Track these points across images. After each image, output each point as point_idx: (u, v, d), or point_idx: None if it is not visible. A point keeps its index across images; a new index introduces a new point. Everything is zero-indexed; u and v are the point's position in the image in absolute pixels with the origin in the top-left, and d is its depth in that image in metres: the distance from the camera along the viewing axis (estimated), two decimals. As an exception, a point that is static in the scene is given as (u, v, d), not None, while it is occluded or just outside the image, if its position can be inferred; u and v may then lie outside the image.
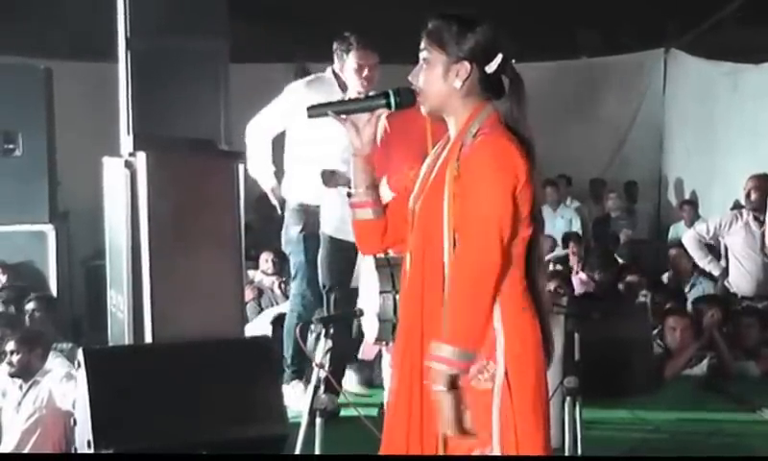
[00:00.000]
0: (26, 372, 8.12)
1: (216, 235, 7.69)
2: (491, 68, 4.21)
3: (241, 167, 7.74)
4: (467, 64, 4.19)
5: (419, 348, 4.19)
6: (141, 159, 7.54)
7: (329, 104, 4.74)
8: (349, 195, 4.57)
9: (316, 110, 4.67)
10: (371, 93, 4.47)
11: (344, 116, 4.44)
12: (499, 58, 4.21)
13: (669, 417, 8.92)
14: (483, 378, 4.11)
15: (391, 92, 4.38)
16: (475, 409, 4.10)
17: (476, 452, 4.14)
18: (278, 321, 9.66)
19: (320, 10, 12.22)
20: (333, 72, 8.64)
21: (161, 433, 7.00)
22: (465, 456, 4.15)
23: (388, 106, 4.39)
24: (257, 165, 8.66)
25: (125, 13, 7.71)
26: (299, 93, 8.65)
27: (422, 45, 4.27)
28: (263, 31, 9.24)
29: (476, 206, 4.07)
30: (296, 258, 8.98)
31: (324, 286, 8.52)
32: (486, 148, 4.10)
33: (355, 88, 8.50)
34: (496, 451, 4.09)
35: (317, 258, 8.57)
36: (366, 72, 8.47)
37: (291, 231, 8.89)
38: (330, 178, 7.66)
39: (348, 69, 8.55)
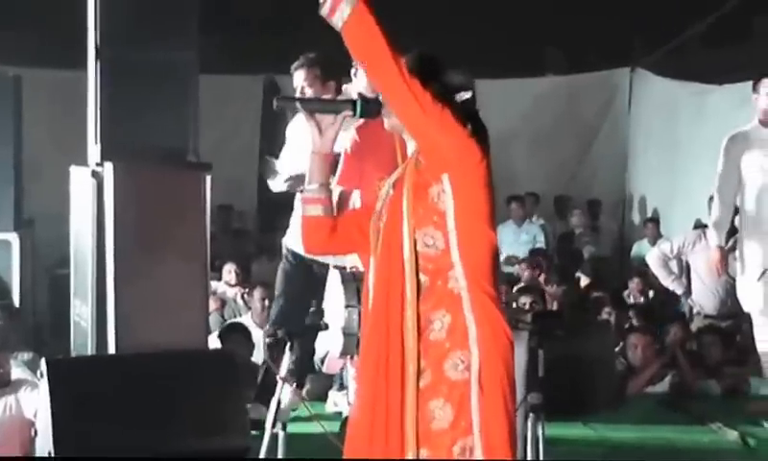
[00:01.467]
0: None
1: (182, 247, 7.65)
2: (444, 82, 4.29)
3: (208, 178, 7.67)
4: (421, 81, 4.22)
5: (384, 364, 4.22)
6: (108, 170, 7.50)
7: (299, 98, 4.81)
8: (302, 191, 4.61)
9: (284, 101, 4.87)
10: (339, 98, 4.49)
11: (312, 113, 4.50)
12: (450, 72, 4.31)
13: (630, 434, 8.99)
14: (459, 369, 4.18)
15: (358, 100, 4.45)
16: (454, 400, 4.17)
17: (458, 443, 4.17)
18: (229, 331, 9.80)
19: (289, 22, 12.24)
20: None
21: (123, 445, 6.92)
22: None
23: (354, 112, 4.43)
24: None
25: (95, 23, 7.69)
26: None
27: None
28: (233, 43, 9.20)
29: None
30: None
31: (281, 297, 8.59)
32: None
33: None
34: (477, 441, 4.15)
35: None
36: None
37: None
38: (266, 167, 7.66)
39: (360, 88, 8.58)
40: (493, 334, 4.18)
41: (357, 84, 8.66)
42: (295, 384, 8.78)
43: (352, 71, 8.72)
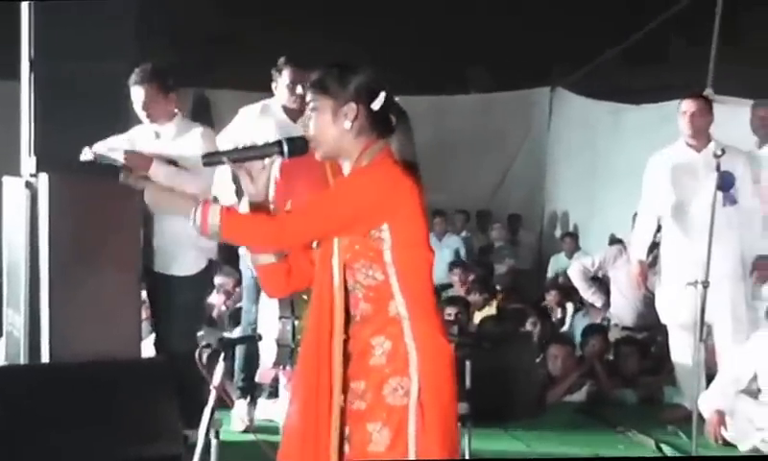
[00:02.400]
0: None
1: (115, 257, 7.60)
2: (376, 106, 4.23)
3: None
4: (353, 105, 4.20)
5: (315, 387, 4.24)
6: (43, 180, 7.45)
7: (224, 151, 4.72)
8: None
9: (211, 158, 4.68)
10: (264, 142, 4.39)
11: (238, 164, 4.39)
12: (383, 95, 4.24)
13: (552, 443, 8.97)
14: (399, 395, 4.14)
15: (284, 140, 4.34)
16: (392, 424, 4.13)
17: None
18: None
19: (222, 38, 12.20)
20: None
21: (56, 453, 6.91)
22: None
23: (281, 153, 4.33)
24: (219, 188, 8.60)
25: (29, 35, 7.62)
26: (252, 118, 8.70)
27: (309, 96, 4.30)
28: (166, 57, 9.14)
29: (331, 193, 4.30)
30: (244, 280, 9.04)
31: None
32: (371, 166, 4.20)
33: (284, 102, 8.63)
34: None
35: None
36: (299, 89, 8.46)
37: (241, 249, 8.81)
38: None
39: (282, 87, 8.63)
40: (434, 360, 4.16)
41: (279, 97, 8.66)
42: (249, 398, 8.78)
43: (273, 85, 8.71)
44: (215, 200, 7.96)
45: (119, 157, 7.83)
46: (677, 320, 8.99)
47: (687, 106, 9.28)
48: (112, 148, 7.80)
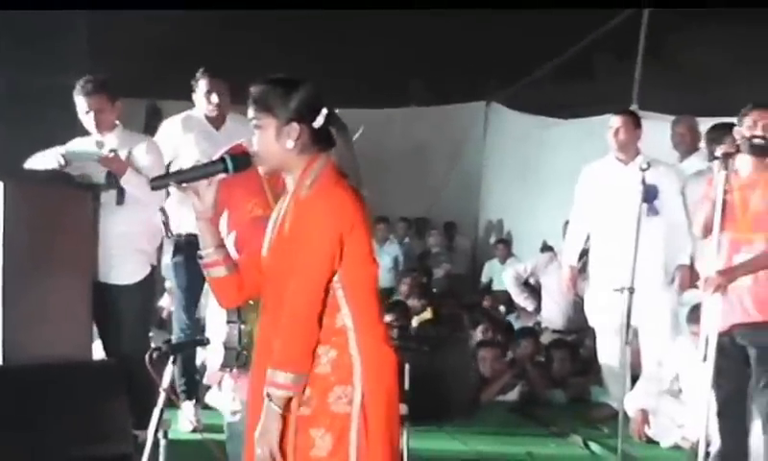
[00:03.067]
0: None
1: (68, 262, 7.55)
2: (318, 124, 4.18)
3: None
4: (295, 125, 4.15)
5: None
6: (0, 187, 7.34)
7: (171, 175, 4.70)
8: (200, 257, 4.45)
9: (159, 181, 4.65)
10: (207, 161, 4.36)
11: (185, 185, 4.35)
12: (324, 112, 4.19)
13: (488, 438, 9.07)
14: (342, 402, 4.13)
15: (227, 157, 4.31)
16: (335, 431, 4.13)
17: None
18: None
19: (175, 50, 12.11)
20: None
21: (8, 453, 6.83)
22: None
23: (225, 170, 4.29)
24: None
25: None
26: (175, 130, 8.66)
27: (251, 112, 4.24)
28: (119, 68, 9.09)
29: (305, 251, 4.12)
30: (174, 289, 8.99)
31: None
32: (319, 197, 4.13)
33: (204, 112, 8.60)
34: None
35: (192, 285, 8.39)
36: (214, 97, 8.52)
37: (166, 258, 8.80)
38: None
39: (199, 95, 8.61)
40: (379, 370, 4.15)
41: (199, 107, 8.61)
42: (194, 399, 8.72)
43: (193, 95, 8.66)
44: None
45: (91, 158, 7.81)
46: (604, 324, 9.03)
47: (616, 121, 9.31)
48: (68, 154, 7.76)
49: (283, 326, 4.12)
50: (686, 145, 10.02)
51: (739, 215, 6.80)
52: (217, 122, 8.57)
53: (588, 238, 9.64)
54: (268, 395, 4.12)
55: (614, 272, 8.41)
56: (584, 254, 11.30)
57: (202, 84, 8.56)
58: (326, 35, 17.88)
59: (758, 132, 6.76)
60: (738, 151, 7.05)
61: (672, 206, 8.96)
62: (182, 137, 8.39)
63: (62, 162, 7.74)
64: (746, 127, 6.87)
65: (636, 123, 9.31)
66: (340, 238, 4.07)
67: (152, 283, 8.35)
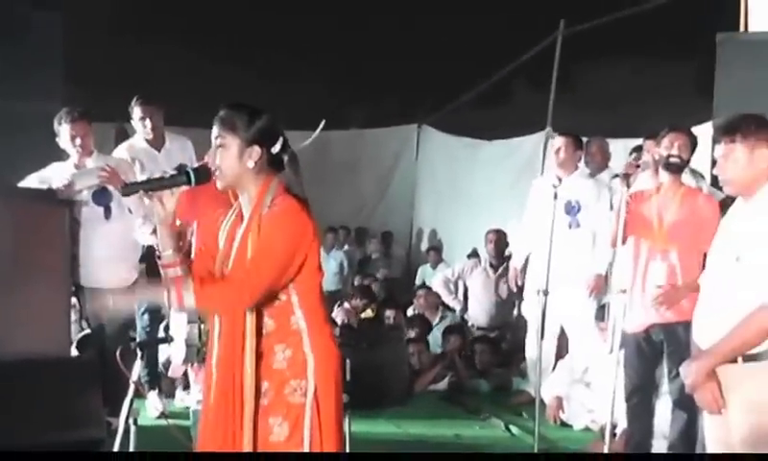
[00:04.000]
0: None
1: (49, 269, 7.60)
2: (275, 149, 4.25)
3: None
4: (257, 148, 4.20)
5: (231, 386, 4.27)
6: (-16, 203, 7.49)
7: (140, 183, 4.73)
8: (159, 258, 4.46)
9: (129, 188, 4.65)
10: (172, 172, 4.43)
11: (150, 193, 4.35)
12: (281, 140, 4.26)
13: (420, 423, 9.03)
14: (297, 394, 4.21)
15: (190, 171, 4.35)
16: (291, 419, 4.21)
17: None
18: (84, 341, 9.35)
19: (139, 78, 12.13)
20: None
21: None
22: None
23: (188, 182, 4.32)
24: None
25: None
26: (124, 156, 8.57)
27: (216, 131, 4.26)
28: (90, 93, 9.10)
29: (267, 259, 4.17)
30: None
31: None
32: (285, 215, 4.17)
33: (143, 136, 8.56)
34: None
35: None
36: (148, 122, 8.51)
37: None
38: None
39: (136, 121, 8.60)
40: (327, 364, 4.24)
41: (139, 132, 8.65)
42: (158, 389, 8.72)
43: (132, 122, 8.66)
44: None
45: (93, 176, 7.85)
46: (531, 321, 9.06)
47: (558, 141, 9.22)
48: (47, 181, 7.80)
49: (217, 291, 4.23)
50: (597, 163, 10.01)
51: (656, 227, 6.86)
52: (157, 144, 8.58)
53: (506, 246, 9.70)
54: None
55: (538, 276, 8.41)
56: (507, 259, 11.46)
57: (136, 112, 8.54)
58: (277, 67, 17.97)
59: (674, 151, 6.83)
60: (638, 169, 7.18)
61: (593, 220, 8.92)
62: (128, 161, 8.37)
63: (67, 183, 7.81)
64: (663, 147, 6.92)
65: (576, 145, 9.20)
66: (298, 254, 4.15)
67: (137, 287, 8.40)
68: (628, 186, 7.00)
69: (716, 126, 7.82)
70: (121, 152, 8.63)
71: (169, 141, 8.61)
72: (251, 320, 4.22)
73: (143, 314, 8.62)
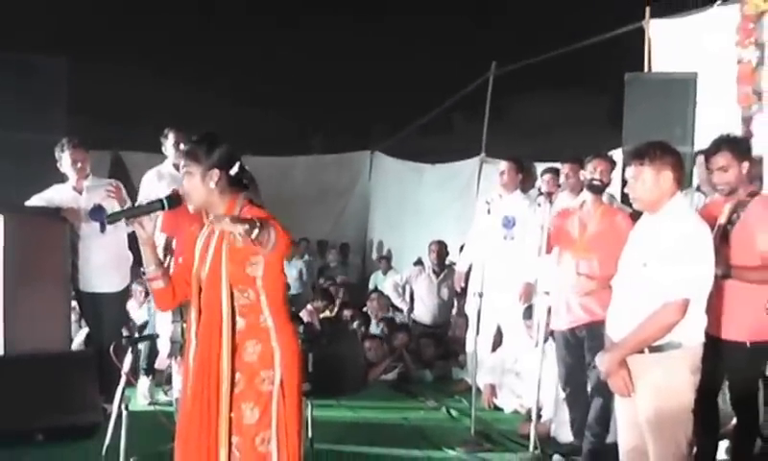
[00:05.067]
0: None
1: (51, 276, 7.65)
2: (233, 171, 4.29)
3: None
4: (216, 171, 4.25)
5: (207, 377, 4.27)
6: (0, 220, 7.47)
7: (122, 211, 4.87)
8: (143, 273, 4.55)
9: (114, 216, 4.72)
10: (149, 201, 4.50)
11: (132, 219, 4.41)
12: (238, 163, 4.31)
13: (373, 407, 9.06)
14: (266, 383, 4.24)
15: (164, 199, 4.40)
16: (260, 405, 4.23)
17: (260, 435, 4.24)
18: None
19: (132, 109, 12.10)
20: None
21: (6, 418, 6.95)
22: None
23: (162, 208, 4.38)
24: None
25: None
26: (153, 180, 8.53)
27: (183, 162, 4.33)
28: (89, 123, 9.10)
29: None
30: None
31: None
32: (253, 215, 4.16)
33: (173, 160, 8.41)
34: (273, 433, 4.24)
35: None
36: (182, 146, 8.28)
37: None
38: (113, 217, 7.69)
39: (168, 146, 8.49)
40: (292, 357, 4.28)
41: (169, 158, 8.55)
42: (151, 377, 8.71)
43: (163, 148, 8.59)
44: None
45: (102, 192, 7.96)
46: (472, 320, 8.78)
47: (503, 166, 9.17)
48: (49, 200, 7.84)
49: None
50: (525, 184, 9.86)
51: (578, 238, 6.89)
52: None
53: (447, 254, 9.69)
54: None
55: (477, 280, 8.39)
56: (447, 266, 11.51)
57: (170, 137, 8.47)
58: (249, 92, 18.00)
59: (597, 176, 6.87)
60: (559, 189, 7.24)
61: (526, 233, 8.83)
62: (157, 184, 8.30)
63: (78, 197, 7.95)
64: (588, 171, 6.95)
65: (517, 169, 9.15)
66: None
67: (128, 292, 8.40)
68: (551, 203, 7.10)
69: (627, 151, 7.89)
70: (151, 176, 8.57)
71: None
72: (227, 319, 4.25)
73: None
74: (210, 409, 4.24)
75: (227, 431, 4.22)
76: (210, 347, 4.29)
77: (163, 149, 8.62)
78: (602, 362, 5.04)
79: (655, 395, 4.88)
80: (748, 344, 5.70)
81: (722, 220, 5.80)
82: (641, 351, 4.89)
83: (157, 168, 8.63)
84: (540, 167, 10.43)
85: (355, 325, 11.23)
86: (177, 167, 8.40)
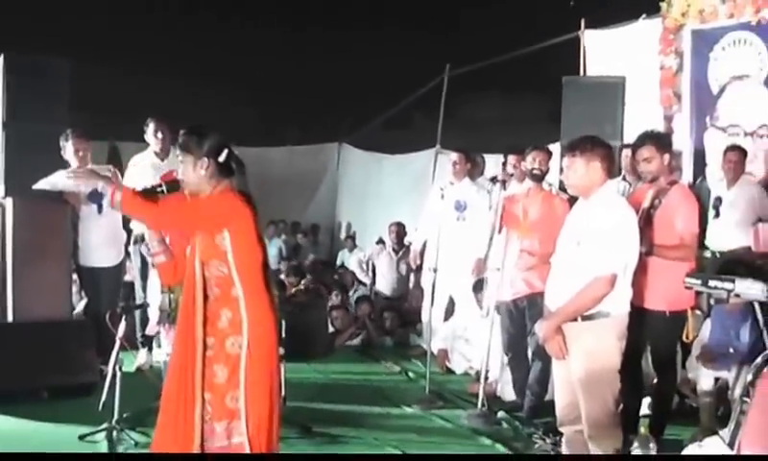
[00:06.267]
0: None
1: (55, 251, 7.60)
2: (221, 159, 4.26)
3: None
4: (206, 160, 4.23)
5: (184, 341, 4.27)
6: (9, 202, 7.49)
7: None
8: (149, 249, 4.59)
9: None
10: (152, 186, 4.49)
11: None
12: (226, 151, 4.28)
13: (339, 370, 9.06)
14: (235, 347, 4.20)
15: (164, 184, 4.39)
16: (229, 366, 4.19)
17: (229, 393, 4.20)
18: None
19: (126, 104, 11.98)
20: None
21: (15, 378, 6.99)
22: None
23: (162, 193, 4.36)
24: None
25: (3, 103, 7.59)
26: (137, 164, 8.43)
27: (178, 151, 4.32)
28: (89, 116, 9.02)
29: (193, 203, 4.28)
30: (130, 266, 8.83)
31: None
32: (219, 194, 4.25)
33: (154, 149, 8.37)
34: (241, 392, 4.18)
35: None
36: (160, 135, 8.31)
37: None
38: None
39: (149, 134, 8.39)
40: (261, 324, 4.22)
41: (151, 146, 8.44)
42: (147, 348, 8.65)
43: (145, 136, 8.46)
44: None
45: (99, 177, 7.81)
46: (427, 292, 8.88)
47: (454, 156, 9.13)
48: (53, 184, 7.77)
49: (151, 207, 4.23)
50: (473, 172, 9.85)
51: (522, 220, 6.94)
52: (162, 155, 8.33)
53: (405, 234, 9.68)
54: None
55: (432, 257, 8.39)
56: (405, 245, 11.51)
57: (151, 126, 8.36)
58: (231, 94, 17.93)
59: (536, 165, 6.91)
60: (512, 177, 7.25)
61: (476, 216, 8.82)
62: (142, 169, 8.17)
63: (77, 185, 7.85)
64: (528, 162, 6.99)
65: (467, 159, 9.12)
66: (216, 218, 4.20)
67: (124, 266, 8.36)
68: (505, 189, 7.13)
69: (563, 145, 7.95)
70: (135, 161, 8.48)
71: (172, 154, 8.36)
72: (200, 290, 4.25)
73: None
74: (187, 370, 4.22)
75: (200, 389, 4.21)
76: (188, 315, 4.28)
77: (146, 137, 8.51)
78: (540, 329, 5.10)
79: (586, 358, 4.93)
80: (667, 313, 5.77)
81: (646, 204, 5.85)
82: (575, 320, 4.94)
83: (141, 155, 8.57)
84: (488, 158, 10.51)
85: (325, 297, 11.21)
86: (157, 154, 8.42)
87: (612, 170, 5.14)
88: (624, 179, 7.63)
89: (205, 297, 4.28)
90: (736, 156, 7.88)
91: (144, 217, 4.50)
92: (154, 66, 17.98)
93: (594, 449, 4.95)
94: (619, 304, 4.94)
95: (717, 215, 7.73)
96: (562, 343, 4.99)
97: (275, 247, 14.90)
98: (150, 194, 4.38)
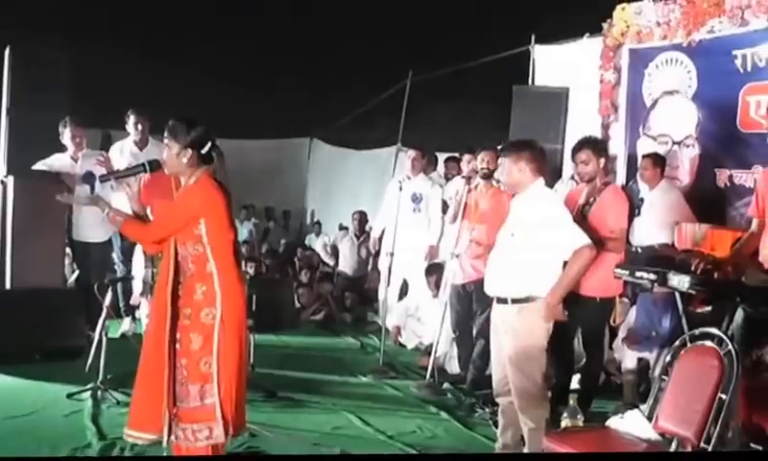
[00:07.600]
0: None
1: (51, 227, 7.60)
2: (204, 151, 4.28)
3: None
4: (190, 150, 4.25)
5: (161, 312, 4.29)
6: (11, 180, 7.52)
7: (112, 172, 4.96)
8: None
9: (105, 177, 5.02)
10: (135, 164, 4.55)
11: (120, 179, 4.56)
12: (209, 144, 4.29)
13: (304, 342, 9.09)
14: (209, 317, 4.22)
15: (146, 163, 4.46)
16: (204, 334, 4.21)
17: (203, 359, 4.22)
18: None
19: (118, 95, 11.88)
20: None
21: (11, 340, 7.01)
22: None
23: (145, 171, 4.45)
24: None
25: (8, 93, 7.64)
26: (117, 152, 8.35)
27: (165, 134, 4.31)
28: (84, 104, 8.97)
29: (174, 210, 4.31)
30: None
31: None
32: (195, 185, 4.28)
33: (134, 138, 8.33)
34: (214, 358, 4.21)
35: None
36: (139, 127, 8.27)
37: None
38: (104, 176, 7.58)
39: (130, 125, 8.35)
40: (231, 298, 4.24)
41: (131, 135, 8.40)
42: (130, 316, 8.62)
43: (126, 126, 8.42)
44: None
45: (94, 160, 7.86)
46: (384, 274, 8.75)
47: (411, 153, 9.19)
48: (50, 166, 7.78)
49: (143, 229, 4.37)
50: (428, 168, 9.79)
51: (473, 212, 6.95)
52: (141, 144, 8.31)
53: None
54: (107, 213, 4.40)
55: (389, 243, 8.43)
56: (366, 231, 11.53)
57: (131, 118, 8.33)
58: (212, 88, 17.83)
59: (485, 165, 6.91)
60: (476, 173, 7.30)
61: (431, 207, 8.91)
62: (120, 156, 8.21)
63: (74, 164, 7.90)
64: (479, 161, 7.00)
65: (423, 156, 9.18)
66: (195, 213, 4.20)
67: (111, 242, 8.36)
68: (468, 185, 7.18)
69: (499, 148, 8.01)
70: (116, 148, 8.44)
71: (150, 144, 8.27)
72: (172, 266, 4.29)
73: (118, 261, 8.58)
74: (160, 338, 4.25)
75: (169, 355, 4.24)
76: (162, 288, 4.32)
77: (126, 127, 8.47)
78: (544, 306, 4.93)
79: (515, 337, 4.94)
80: (598, 299, 5.84)
81: (581, 201, 5.95)
82: (506, 303, 4.97)
83: (121, 142, 8.52)
84: (441, 156, 10.59)
85: (293, 275, 11.22)
86: (136, 144, 8.38)
87: (542, 169, 5.12)
88: (572, 178, 7.72)
89: (183, 272, 4.31)
90: (649, 162, 8.01)
91: (139, 239, 4.69)
92: (144, 62, 17.89)
93: (524, 419, 4.97)
94: (547, 289, 4.94)
95: (639, 214, 7.86)
96: (560, 312, 4.99)
97: (245, 229, 14.90)
98: (132, 171, 4.52)
